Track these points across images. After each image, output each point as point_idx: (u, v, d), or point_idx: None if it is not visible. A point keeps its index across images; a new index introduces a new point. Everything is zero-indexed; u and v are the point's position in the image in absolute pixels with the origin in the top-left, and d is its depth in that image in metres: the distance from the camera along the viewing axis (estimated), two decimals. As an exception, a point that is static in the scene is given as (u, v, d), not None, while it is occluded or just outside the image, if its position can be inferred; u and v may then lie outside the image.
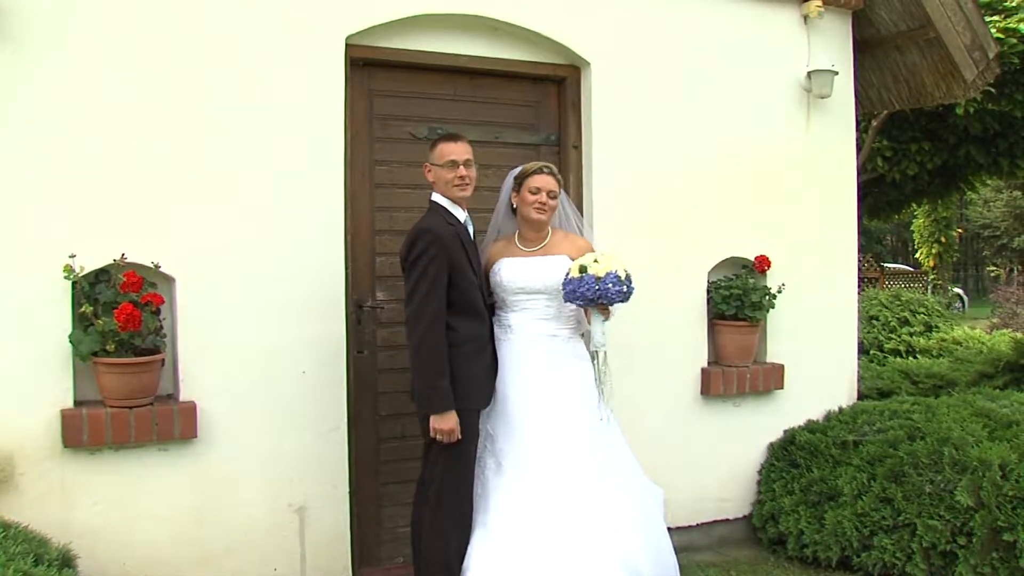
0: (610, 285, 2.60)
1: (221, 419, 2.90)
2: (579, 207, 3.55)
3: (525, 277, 2.84)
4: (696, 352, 3.79)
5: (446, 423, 2.62)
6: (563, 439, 2.74)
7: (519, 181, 2.94)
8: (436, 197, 2.78)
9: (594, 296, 2.62)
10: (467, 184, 2.76)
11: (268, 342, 2.98)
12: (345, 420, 3.10)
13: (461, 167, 2.72)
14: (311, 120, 3.05)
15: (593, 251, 2.90)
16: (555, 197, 2.90)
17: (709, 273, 3.84)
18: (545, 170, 2.91)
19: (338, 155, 3.10)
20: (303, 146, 3.04)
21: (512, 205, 2.97)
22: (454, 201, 2.76)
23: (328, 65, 3.08)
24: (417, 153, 3.30)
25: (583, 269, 2.64)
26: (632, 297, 2.71)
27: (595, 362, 2.77)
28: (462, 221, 2.78)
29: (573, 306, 2.81)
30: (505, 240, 3.01)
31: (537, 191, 2.88)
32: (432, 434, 2.64)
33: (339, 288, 3.11)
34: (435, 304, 2.58)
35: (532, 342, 2.82)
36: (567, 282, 2.68)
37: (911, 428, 3.52)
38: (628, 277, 2.66)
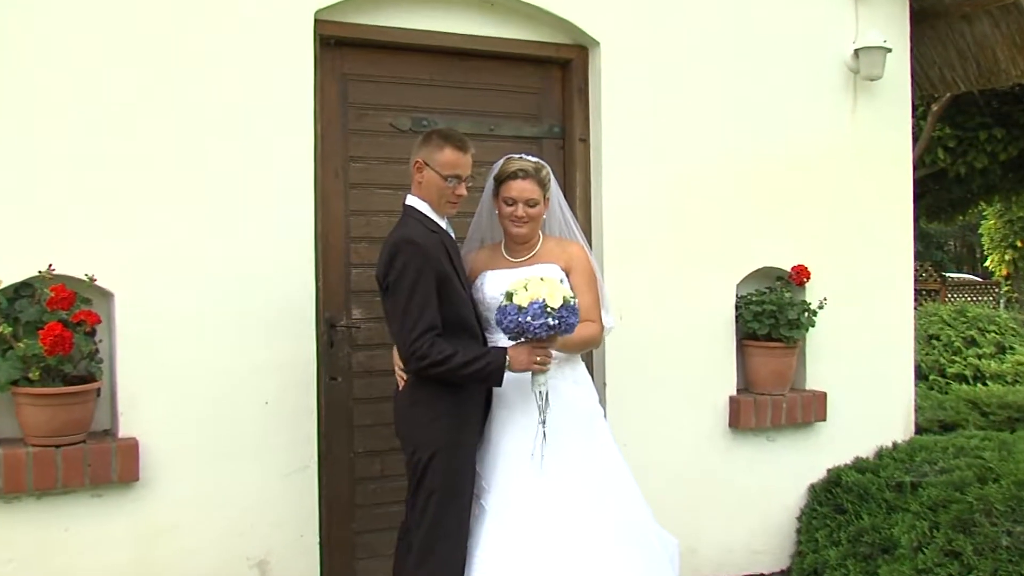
0: (529, 318, 2.47)
1: (167, 458, 2.86)
2: (587, 209, 3.58)
3: None
4: (723, 378, 3.75)
5: (523, 361, 2.58)
6: (551, 479, 2.68)
7: (496, 185, 2.85)
8: (415, 202, 2.72)
9: (517, 329, 2.52)
10: (459, 202, 2.75)
11: (225, 368, 2.95)
12: (315, 458, 3.08)
13: (462, 184, 2.70)
14: (274, 109, 3.02)
15: (585, 256, 2.85)
16: (536, 205, 2.80)
17: (738, 286, 3.80)
18: (520, 175, 2.79)
19: (306, 150, 3.07)
20: (265, 139, 3.01)
21: (495, 210, 2.90)
22: (436, 208, 2.72)
23: (294, 44, 3.05)
24: (399, 148, 3.25)
25: (509, 296, 2.54)
26: (573, 329, 2.56)
27: (538, 403, 2.66)
28: (444, 228, 2.74)
29: None
30: (490, 249, 2.94)
31: (512, 202, 2.78)
32: (528, 369, 2.60)
33: (308, 305, 3.08)
34: (430, 321, 2.55)
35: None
36: (496, 309, 2.61)
37: (982, 468, 3.48)
38: (565, 307, 2.52)
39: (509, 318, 2.52)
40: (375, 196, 3.31)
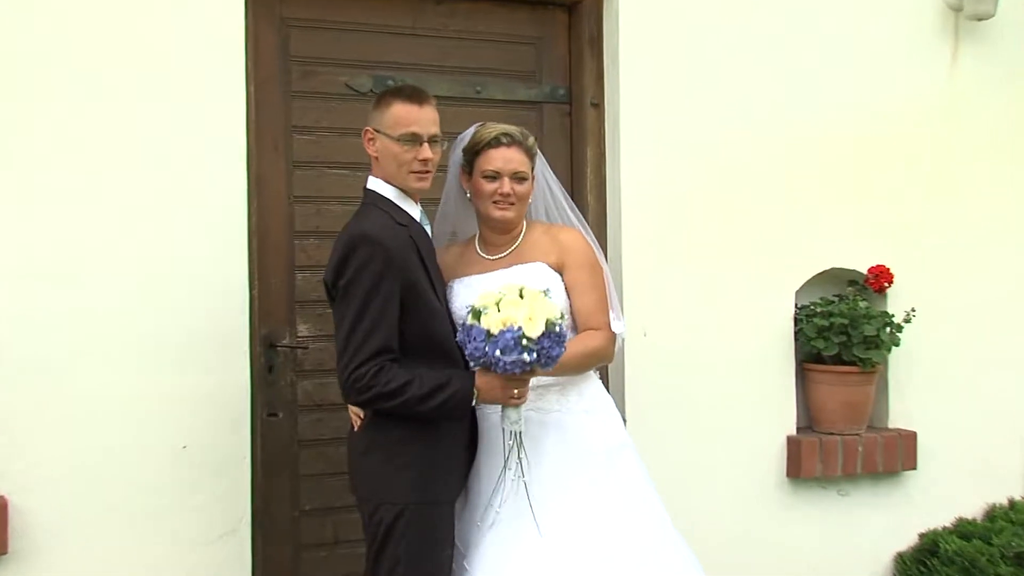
0: (499, 352, 2.29)
1: (50, 523, 2.72)
2: (600, 194, 3.47)
3: None
4: (779, 412, 3.58)
5: (495, 394, 2.47)
6: (558, 546, 2.50)
7: (468, 158, 2.68)
8: (377, 184, 2.58)
9: (483, 360, 2.36)
10: (429, 172, 2.58)
11: (128, 402, 2.82)
12: (247, 518, 2.95)
13: (425, 145, 2.52)
14: (193, 65, 2.89)
15: (583, 243, 2.69)
16: (524, 180, 2.64)
17: (798, 293, 3.64)
18: (504, 140, 2.63)
19: (236, 118, 2.96)
20: (180, 104, 2.89)
21: (466, 192, 2.74)
22: (405, 191, 2.56)
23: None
24: (357, 115, 3.07)
25: (476, 315, 2.36)
26: (556, 361, 2.39)
27: (507, 444, 2.54)
28: (417, 219, 2.58)
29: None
30: (460, 247, 2.80)
31: (495, 176, 2.61)
32: (501, 403, 2.51)
33: (239, 320, 2.95)
34: (381, 342, 2.42)
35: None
36: (460, 327, 2.45)
37: None
38: (548, 335, 2.35)
39: (474, 344, 2.37)
40: (326, 178, 3.18)
